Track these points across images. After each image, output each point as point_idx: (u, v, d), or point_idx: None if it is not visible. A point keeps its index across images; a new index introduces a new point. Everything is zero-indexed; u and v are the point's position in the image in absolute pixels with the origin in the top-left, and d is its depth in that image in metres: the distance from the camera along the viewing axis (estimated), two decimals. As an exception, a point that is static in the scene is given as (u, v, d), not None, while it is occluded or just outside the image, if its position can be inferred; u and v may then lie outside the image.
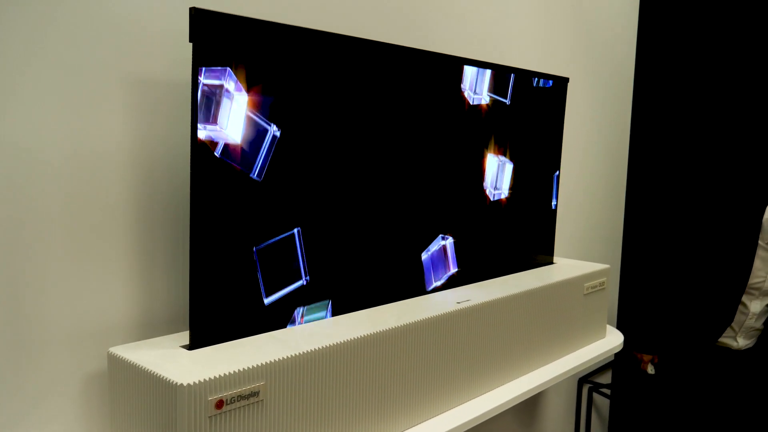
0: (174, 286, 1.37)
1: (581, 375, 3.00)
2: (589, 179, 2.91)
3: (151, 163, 1.32)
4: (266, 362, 1.13)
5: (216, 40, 1.16)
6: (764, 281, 2.45)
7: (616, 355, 3.03)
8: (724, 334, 2.51)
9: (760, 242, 2.44)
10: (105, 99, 1.23)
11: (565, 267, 2.14)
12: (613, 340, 2.21)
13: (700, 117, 3.09)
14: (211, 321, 1.22)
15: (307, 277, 1.39)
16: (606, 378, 3.23)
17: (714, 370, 2.57)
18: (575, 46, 2.69)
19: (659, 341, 2.65)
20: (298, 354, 1.18)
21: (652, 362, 2.67)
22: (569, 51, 2.65)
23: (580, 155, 2.78)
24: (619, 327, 2.95)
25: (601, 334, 2.19)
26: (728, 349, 2.54)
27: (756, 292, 2.46)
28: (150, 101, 1.30)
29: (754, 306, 2.47)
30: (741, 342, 2.53)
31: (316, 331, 1.32)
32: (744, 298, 2.47)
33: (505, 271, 1.97)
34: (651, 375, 2.67)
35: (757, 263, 2.44)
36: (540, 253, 2.14)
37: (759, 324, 2.52)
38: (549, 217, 2.15)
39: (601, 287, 2.13)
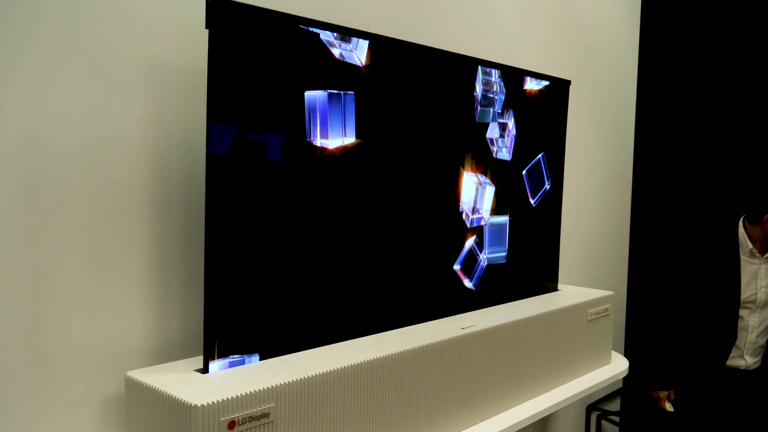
0: (187, 314, 1.43)
1: (589, 402, 3.00)
2: (593, 202, 2.95)
3: (167, 168, 1.37)
4: (276, 385, 1.18)
5: (232, 27, 1.23)
6: (756, 293, 2.49)
7: (624, 381, 3.04)
8: (732, 355, 2.53)
9: (741, 256, 2.50)
10: (121, 88, 1.29)
11: (569, 293, 2.17)
12: (618, 365, 2.23)
13: (706, 131, 3.11)
14: (224, 346, 1.28)
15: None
16: (615, 405, 3.23)
17: (723, 392, 2.57)
18: (577, 53, 2.74)
19: (671, 374, 2.63)
20: (306, 377, 1.23)
21: (668, 399, 2.65)
22: (573, 60, 2.70)
23: (583, 173, 2.83)
24: (626, 353, 2.95)
25: (606, 360, 2.21)
26: (737, 371, 2.55)
27: (752, 305, 2.50)
28: (166, 89, 1.35)
29: (753, 320, 2.51)
30: (749, 360, 2.55)
31: (324, 355, 1.37)
32: (742, 313, 2.50)
33: (510, 298, 2.01)
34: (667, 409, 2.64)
35: (745, 277, 2.49)
36: (544, 280, 2.18)
37: (763, 340, 2.54)
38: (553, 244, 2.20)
39: (605, 313, 2.16)
